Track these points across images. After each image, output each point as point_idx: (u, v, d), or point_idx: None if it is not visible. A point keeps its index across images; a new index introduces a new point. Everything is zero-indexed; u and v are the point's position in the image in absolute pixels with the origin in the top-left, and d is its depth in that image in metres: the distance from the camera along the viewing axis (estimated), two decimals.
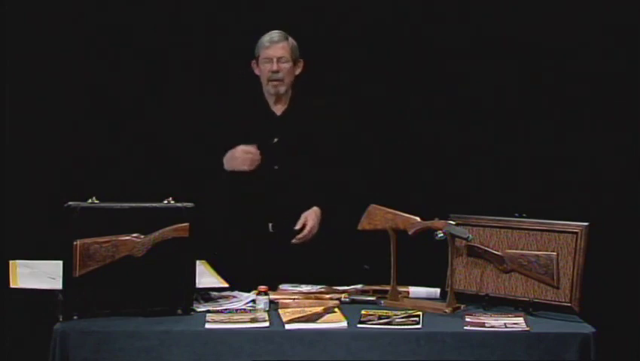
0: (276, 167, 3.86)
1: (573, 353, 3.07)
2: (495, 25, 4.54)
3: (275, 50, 3.85)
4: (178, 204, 3.27)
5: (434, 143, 4.62)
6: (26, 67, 4.48)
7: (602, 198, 4.49)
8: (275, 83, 3.86)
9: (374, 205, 3.52)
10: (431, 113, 4.62)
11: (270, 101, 3.92)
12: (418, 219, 3.43)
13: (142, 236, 3.21)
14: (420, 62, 4.60)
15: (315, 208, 3.87)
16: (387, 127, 4.59)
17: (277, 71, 3.84)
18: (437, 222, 3.38)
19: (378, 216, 3.49)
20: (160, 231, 3.21)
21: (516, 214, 3.49)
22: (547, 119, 4.56)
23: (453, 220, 3.41)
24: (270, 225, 3.88)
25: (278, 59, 3.84)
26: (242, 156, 3.80)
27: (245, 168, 3.80)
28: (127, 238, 3.20)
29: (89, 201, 3.22)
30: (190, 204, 3.27)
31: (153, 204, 3.26)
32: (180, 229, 3.23)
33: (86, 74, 4.51)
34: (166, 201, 3.28)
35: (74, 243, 3.15)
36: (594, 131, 4.54)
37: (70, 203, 3.17)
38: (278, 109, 3.93)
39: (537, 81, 4.56)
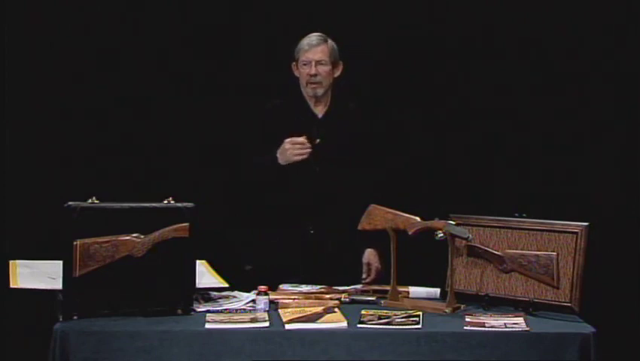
0: (318, 169, 3.87)
1: (573, 353, 3.07)
2: (492, 24, 4.55)
3: (313, 53, 3.88)
4: (178, 204, 3.27)
5: (434, 143, 4.62)
6: (26, 67, 4.48)
7: (602, 198, 4.49)
8: (313, 85, 3.89)
9: (374, 205, 3.52)
10: (430, 113, 4.62)
11: (311, 103, 3.94)
12: (418, 219, 3.43)
13: (142, 236, 3.21)
14: (421, 63, 4.61)
15: (370, 250, 3.91)
16: (387, 127, 4.58)
17: (315, 75, 3.87)
18: (437, 223, 3.38)
19: (378, 217, 3.49)
20: (160, 231, 3.21)
21: (516, 214, 3.49)
22: (547, 119, 4.56)
23: (453, 220, 3.41)
24: (311, 226, 3.89)
25: (317, 62, 3.87)
26: (291, 148, 3.80)
27: (297, 158, 3.80)
28: (127, 238, 3.20)
29: (89, 201, 3.21)
30: (190, 204, 3.27)
31: (153, 204, 3.26)
32: (180, 228, 3.23)
33: (87, 73, 4.51)
34: (166, 201, 3.28)
35: (74, 243, 3.14)
36: (594, 131, 4.54)
37: (70, 203, 3.17)
38: (320, 111, 3.95)
39: (536, 80, 4.56)
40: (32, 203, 4.41)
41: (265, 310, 3.29)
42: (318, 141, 3.83)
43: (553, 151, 4.56)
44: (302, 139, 3.80)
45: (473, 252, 3.49)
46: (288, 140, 3.80)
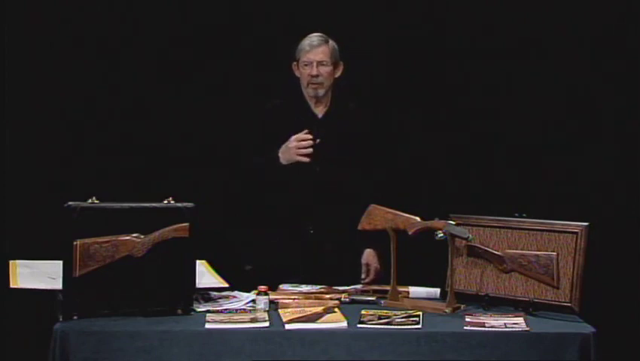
0: (318, 169, 3.86)
1: (573, 353, 3.07)
2: (492, 24, 4.55)
3: (315, 54, 3.88)
4: (178, 204, 3.27)
5: (434, 143, 4.62)
6: (26, 67, 4.48)
7: (602, 198, 4.49)
8: (314, 86, 3.89)
9: (374, 205, 3.52)
10: (430, 113, 4.62)
11: (311, 103, 3.94)
12: (418, 219, 3.43)
13: (142, 236, 3.21)
14: (421, 63, 4.61)
15: (369, 251, 3.91)
16: (387, 127, 4.58)
17: (317, 75, 3.87)
18: (437, 223, 3.38)
19: (378, 217, 3.49)
20: (160, 231, 3.21)
21: (516, 214, 3.49)
22: (547, 119, 4.56)
23: (453, 220, 3.41)
24: (310, 226, 3.90)
25: (318, 63, 3.87)
26: (296, 145, 3.80)
27: (301, 159, 3.79)
28: (127, 238, 3.20)
29: (89, 201, 3.22)
30: (190, 204, 3.27)
31: (153, 204, 3.26)
32: (180, 228, 3.23)
33: (87, 73, 4.51)
34: (166, 201, 3.28)
35: (74, 243, 3.15)
36: (594, 131, 4.54)
37: (70, 203, 3.17)
38: (320, 111, 3.95)
39: (536, 80, 4.56)
40: (32, 203, 4.41)
41: (265, 310, 3.29)
42: (318, 141, 3.83)
43: (553, 151, 4.56)
44: (307, 135, 3.79)
45: (473, 252, 3.49)
46: (293, 137, 3.80)
